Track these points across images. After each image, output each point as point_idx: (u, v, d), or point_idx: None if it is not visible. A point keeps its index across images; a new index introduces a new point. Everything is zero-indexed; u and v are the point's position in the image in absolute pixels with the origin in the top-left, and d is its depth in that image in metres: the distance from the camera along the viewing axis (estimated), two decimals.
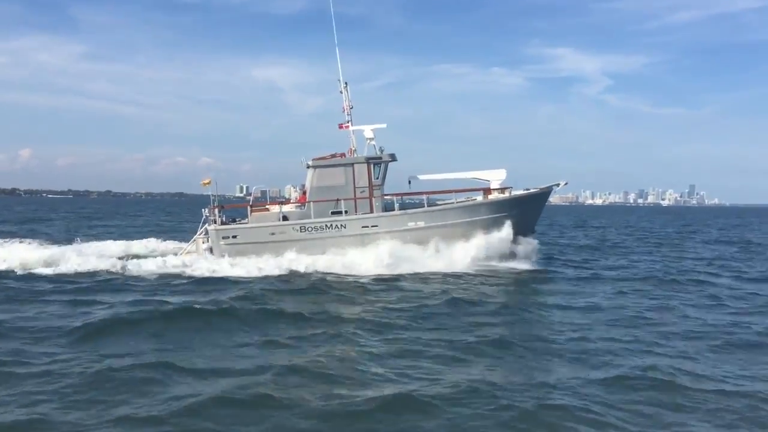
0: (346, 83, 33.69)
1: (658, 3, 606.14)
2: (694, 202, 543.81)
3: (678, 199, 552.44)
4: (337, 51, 34.05)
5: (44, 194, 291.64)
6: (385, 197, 32.93)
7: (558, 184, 33.37)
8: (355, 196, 31.98)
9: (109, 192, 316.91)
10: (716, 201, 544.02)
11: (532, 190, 33.16)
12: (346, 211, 31.79)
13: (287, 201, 34.06)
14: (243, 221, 32.96)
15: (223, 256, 31.13)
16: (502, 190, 32.92)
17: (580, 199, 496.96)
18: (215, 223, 31.97)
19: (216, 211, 32.19)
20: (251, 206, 32.99)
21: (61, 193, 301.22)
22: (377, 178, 32.18)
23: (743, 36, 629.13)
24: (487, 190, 33.16)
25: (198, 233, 33.19)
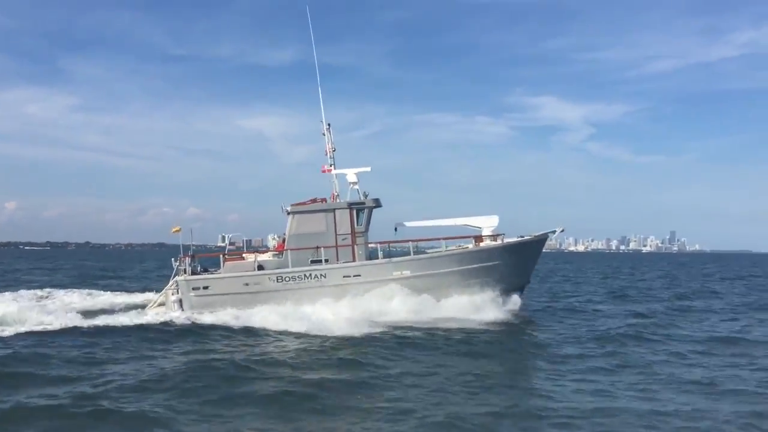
0: (329, 125, 31.91)
1: (637, 53, 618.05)
2: (675, 248, 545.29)
3: (659, 245, 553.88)
4: (320, 91, 32.35)
5: (22, 246, 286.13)
6: (369, 245, 30.74)
7: (554, 231, 31.35)
8: (336, 243, 29.73)
9: (88, 243, 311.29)
10: (697, 247, 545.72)
11: (526, 238, 31.05)
12: (326, 260, 29.48)
13: (266, 249, 31.72)
14: (216, 271, 30.56)
15: (193, 308, 28.66)
16: (494, 237, 30.83)
17: (563, 246, 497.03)
18: (185, 273, 29.53)
19: (186, 260, 29.77)
20: (225, 255, 30.61)
21: (40, 245, 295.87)
22: (360, 225, 30.01)
23: (720, 84, 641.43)
24: (478, 238, 31.07)
25: (169, 284, 30.65)
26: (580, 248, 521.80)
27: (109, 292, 37.48)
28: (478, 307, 28.79)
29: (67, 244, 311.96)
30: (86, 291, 37.79)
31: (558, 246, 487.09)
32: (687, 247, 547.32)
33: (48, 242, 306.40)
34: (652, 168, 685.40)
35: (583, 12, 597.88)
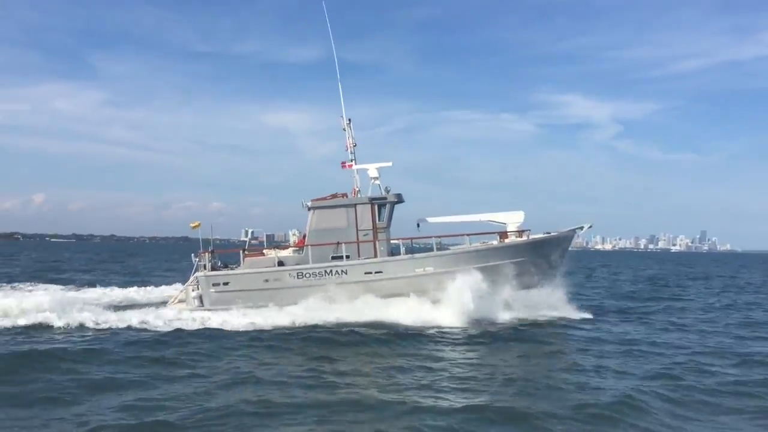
0: (349, 120, 31.30)
1: (665, 52, 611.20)
2: (706, 248, 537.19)
3: (689, 244, 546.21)
4: (340, 86, 31.76)
5: (48, 238, 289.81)
6: (391, 241, 30.14)
7: (582, 228, 30.35)
8: (357, 239, 29.18)
9: (113, 236, 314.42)
10: (728, 247, 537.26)
11: (553, 234, 30.19)
12: (347, 256, 28.94)
13: (286, 245, 31.32)
14: (236, 267, 30.19)
15: (213, 304, 28.33)
16: (519, 233, 30.03)
17: (590, 245, 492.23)
18: (205, 268, 29.19)
19: (207, 255, 29.44)
20: (245, 251, 30.22)
21: (65, 237, 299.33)
22: (381, 220, 29.42)
23: (751, 83, 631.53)
24: (503, 234, 30.26)
25: (190, 280, 30.35)
26: (608, 247, 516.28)
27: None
28: (502, 304, 28.02)
29: (92, 236, 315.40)
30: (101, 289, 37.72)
31: (585, 244, 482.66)
32: (718, 247, 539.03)
33: (74, 234, 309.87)
34: (682, 166, 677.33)
35: (611, 10, 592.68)
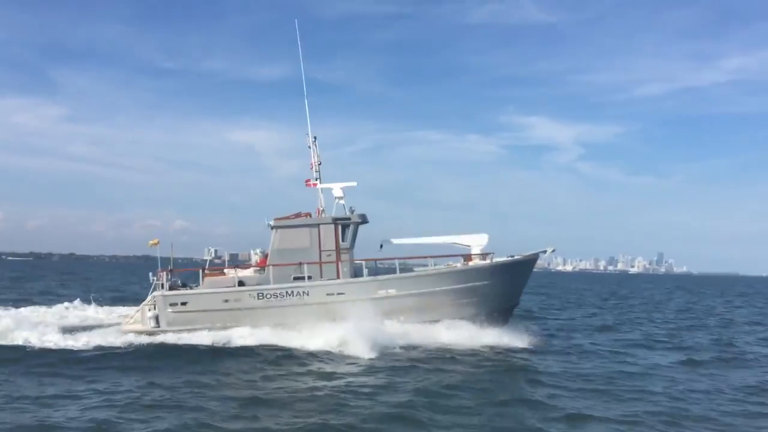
0: (314, 138, 30.93)
1: (628, 76, 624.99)
2: (663, 269, 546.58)
3: (647, 266, 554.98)
4: (306, 103, 31.39)
5: (4, 256, 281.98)
6: (355, 262, 29.74)
7: (545, 251, 30.37)
8: (320, 260, 28.72)
9: (72, 254, 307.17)
10: (684, 269, 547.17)
11: (516, 257, 30.10)
12: (310, 277, 28.44)
13: (247, 265, 30.70)
14: (195, 287, 29.48)
15: (170, 325, 27.56)
16: (483, 256, 29.86)
17: (552, 265, 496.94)
18: (162, 288, 28.41)
19: (164, 274, 28.67)
20: (204, 270, 29.52)
21: (23, 255, 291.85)
22: (345, 241, 29.00)
23: (709, 109, 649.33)
24: (467, 257, 30.07)
25: (147, 299, 29.45)
26: (568, 268, 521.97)
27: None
28: (466, 328, 27.73)
29: (50, 254, 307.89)
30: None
31: (546, 265, 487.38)
32: (674, 269, 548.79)
33: (31, 252, 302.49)
34: (642, 189, 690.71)
35: (575, 35, 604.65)
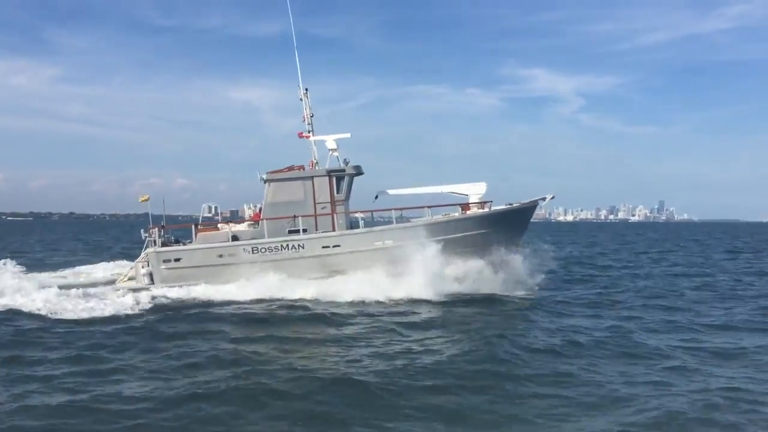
0: (306, 90, 30.16)
1: (628, 25, 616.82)
2: (664, 217, 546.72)
3: (648, 215, 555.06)
4: (296, 55, 30.44)
5: (5, 217, 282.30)
6: (351, 214, 29.23)
7: (544, 198, 29.75)
8: (315, 212, 28.19)
9: (71, 214, 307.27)
10: (685, 216, 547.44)
11: (515, 205, 29.54)
12: (305, 230, 27.96)
13: (241, 220, 30.18)
14: (188, 242, 29.03)
15: (164, 282, 27.20)
16: (481, 204, 29.32)
17: (553, 215, 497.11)
18: (155, 244, 27.96)
19: (156, 231, 28.19)
20: (197, 225, 29.02)
21: (23, 215, 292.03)
22: (340, 193, 28.44)
23: (712, 56, 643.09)
24: (465, 206, 29.52)
25: (140, 257, 29.05)
26: (569, 218, 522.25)
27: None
28: (464, 278, 27.36)
29: (50, 214, 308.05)
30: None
31: (547, 216, 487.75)
32: (675, 217, 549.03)
33: (31, 212, 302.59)
34: (643, 139, 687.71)
35: None
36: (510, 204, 29.69)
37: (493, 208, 29.27)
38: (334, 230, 28.09)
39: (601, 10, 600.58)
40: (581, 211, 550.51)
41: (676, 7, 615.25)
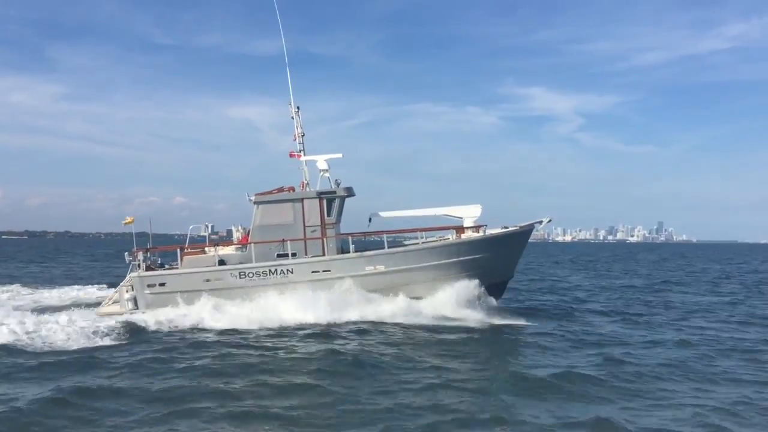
0: (297, 108, 29.45)
1: (627, 45, 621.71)
2: (663, 238, 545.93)
3: (646, 235, 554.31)
4: (288, 72, 29.84)
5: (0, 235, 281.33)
6: (341, 237, 28.38)
7: (541, 222, 29.02)
8: (305, 236, 27.34)
9: (67, 232, 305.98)
10: (684, 237, 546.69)
11: (511, 229, 28.72)
12: (294, 254, 27.09)
13: (228, 242, 29.31)
14: (174, 266, 28.16)
15: (149, 307, 26.25)
16: (476, 228, 28.49)
17: (552, 236, 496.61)
18: (139, 268, 27.07)
19: (140, 254, 27.30)
20: (183, 248, 28.12)
21: (18, 234, 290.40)
22: (330, 216, 27.59)
23: (709, 76, 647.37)
24: (459, 229, 28.71)
25: (124, 281, 28.15)
26: (568, 238, 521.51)
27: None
28: (458, 304, 26.49)
29: (45, 233, 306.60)
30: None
31: (546, 236, 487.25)
32: (674, 237, 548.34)
33: (26, 231, 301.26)
34: (642, 158, 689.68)
35: (573, 4, 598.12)
36: (506, 227, 28.89)
37: (488, 232, 28.44)
38: (324, 254, 27.24)
39: (600, 30, 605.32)
40: (579, 231, 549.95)
41: (674, 27, 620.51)
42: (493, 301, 28.00)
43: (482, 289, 27.05)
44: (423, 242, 28.15)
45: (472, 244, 27.73)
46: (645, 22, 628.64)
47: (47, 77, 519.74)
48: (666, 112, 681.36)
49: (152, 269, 27.80)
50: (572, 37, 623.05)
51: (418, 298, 26.56)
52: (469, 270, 27.18)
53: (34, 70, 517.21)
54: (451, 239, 28.44)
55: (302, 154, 29.09)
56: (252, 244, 27.24)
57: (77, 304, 28.34)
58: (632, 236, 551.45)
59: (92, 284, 38.84)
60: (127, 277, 27.60)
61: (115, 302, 27.90)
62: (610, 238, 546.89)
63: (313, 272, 26.64)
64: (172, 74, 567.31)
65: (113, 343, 21.46)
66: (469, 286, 26.69)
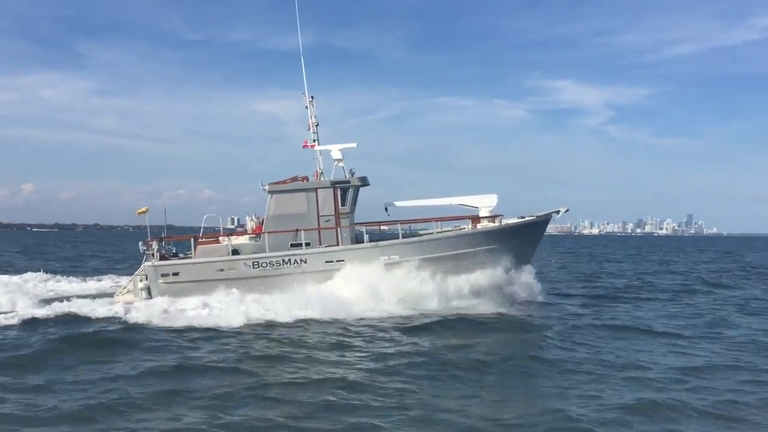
0: (312, 98, 29.18)
1: (657, 37, 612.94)
2: (692, 231, 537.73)
3: (676, 228, 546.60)
4: (302, 61, 29.55)
5: (30, 228, 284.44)
6: (356, 227, 28.14)
7: (558, 211, 28.42)
8: (319, 225, 27.12)
9: (96, 225, 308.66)
10: (714, 230, 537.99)
11: (527, 218, 28.23)
12: (308, 243, 26.89)
13: (243, 232, 29.21)
14: (188, 255, 28.10)
15: (162, 296, 26.22)
16: (492, 218, 28.05)
17: (579, 229, 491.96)
18: (153, 258, 27.07)
19: (154, 244, 27.29)
20: (197, 238, 28.06)
21: (48, 226, 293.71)
22: (345, 205, 27.33)
23: (741, 68, 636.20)
24: (475, 219, 28.29)
25: (138, 270, 28.18)
26: (595, 231, 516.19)
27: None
28: (474, 294, 26.17)
29: (74, 225, 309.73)
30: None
31: (573, 229, 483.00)
32: (704, 230, 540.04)
33: (56, 224, 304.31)
34: (673, 151, 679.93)
35: None
36: (522, 217, 28.41)
37: (504, 222, 27.99)
38: (338, 244, 27.00)
39: (628, 22, 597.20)
40: (607, 224, 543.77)
41: (704, 18, 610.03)
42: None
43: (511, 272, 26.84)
44: (438, 232, 27.83)
45: (488, 234, 27.29)
46: (675, 13, 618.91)
47: (78, 73, 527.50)
48: (697, 104, 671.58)
49: (166, 259, 27.77)
50: (601, 29, 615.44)
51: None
52: (485, 260, 26.78)
53: (66, 67, 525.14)
54: (467, 229, 28.06)
55: (317, 143, 28.86)
56: (266, 234, 27.08)
57: (96, 295, 28.53)
58: (661, 229, 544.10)
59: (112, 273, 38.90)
60: (141, 267, 27.64)
61: (129, 291, 27.97)
62: (638, 231, 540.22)
63: (326, 262, 26.43)
64: (200, 69, 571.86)
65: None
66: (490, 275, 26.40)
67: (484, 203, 28.37)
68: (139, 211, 27.59)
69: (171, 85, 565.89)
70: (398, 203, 29.06)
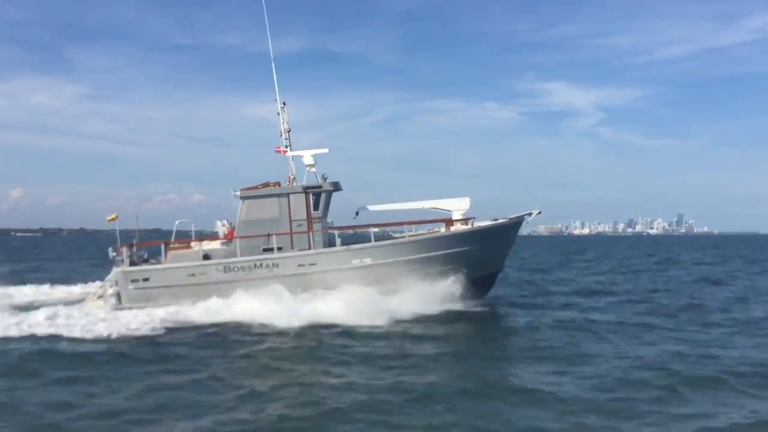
0: (284, 103, 29.19)
1: (649, 39, 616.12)
2: (683, 230, 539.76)
3: (666, 228, 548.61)
4: (273, 67, 29.44)
5: (14, 233, 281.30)
6: (328, 231, 28.05)
7: (530, 214, 28.46)
8: (291, 230, 27.04)
9: (81, 229, 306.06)
10: (705, 229, 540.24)
11: (500, 221, 28.23)
12: (279, 248, 26.79)
13: (214, 237, 29.08)
14: (158, 261, 27.91)
15: (132, 302, 26.06)
16: (464, 221, 28.04)
17: (570, 229, 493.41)
18: (122, 263, 26.88)
19: (124, 249, 27.10)
20: (168, 243, 27.90)
21: (33, 231, 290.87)
22: (317, 210, 27.29)
23: (732, 69, 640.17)
24: (448, 222, 28.28)
25: (108, 276, 27.94)
26: (586, 231, 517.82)
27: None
28: (445, 297, 26.08)
29: (59, 230, 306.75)
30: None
31: (564, 230, 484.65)
32: (695, 230, 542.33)
33: (41, 228, 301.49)
34: (663, 152, 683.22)
35: None
36: (495, 219, 28.41)
37: (476, 224, 27.98)
38: (310, 248, 26.91)
39: (621, 24, 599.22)
40: (598, 224, 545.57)
41: (695, 20, 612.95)
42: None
43: (466, 283, 26.52)
44: (410, 235, 27.80)
45: (460, 237, 27.26)
46: (666, 15, 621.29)
47: (67, 78, 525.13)
48: (688, 106, 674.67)
49: (137, 264, 27.59)
50: (592, 31, 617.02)
51: (404, 291, 26.03)
52: (456, 262, 26.73)
53: (55, 72, 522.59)
54: (438, 232, 28.06)
55: (289, 149, 28.84)
56: (237, 239, 26.97)
57: (63, 302, 28.22)
58: (651, 229, 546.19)
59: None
60: (112, 273, 27.42)
61: (99, 297, 27.74)
62: (629, 230, 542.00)
63: (299, 266, 26.36)
64: (191, 73, 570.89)
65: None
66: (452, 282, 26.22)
67: (458, 206, 28.37)
68: (109, 218, 27.38)
69: (160, 90, 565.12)
70: (371, 207, 29.04)
